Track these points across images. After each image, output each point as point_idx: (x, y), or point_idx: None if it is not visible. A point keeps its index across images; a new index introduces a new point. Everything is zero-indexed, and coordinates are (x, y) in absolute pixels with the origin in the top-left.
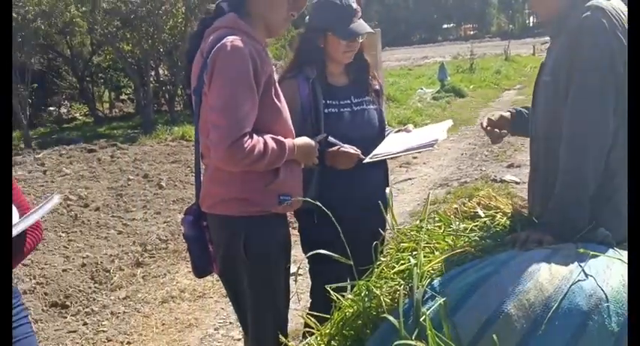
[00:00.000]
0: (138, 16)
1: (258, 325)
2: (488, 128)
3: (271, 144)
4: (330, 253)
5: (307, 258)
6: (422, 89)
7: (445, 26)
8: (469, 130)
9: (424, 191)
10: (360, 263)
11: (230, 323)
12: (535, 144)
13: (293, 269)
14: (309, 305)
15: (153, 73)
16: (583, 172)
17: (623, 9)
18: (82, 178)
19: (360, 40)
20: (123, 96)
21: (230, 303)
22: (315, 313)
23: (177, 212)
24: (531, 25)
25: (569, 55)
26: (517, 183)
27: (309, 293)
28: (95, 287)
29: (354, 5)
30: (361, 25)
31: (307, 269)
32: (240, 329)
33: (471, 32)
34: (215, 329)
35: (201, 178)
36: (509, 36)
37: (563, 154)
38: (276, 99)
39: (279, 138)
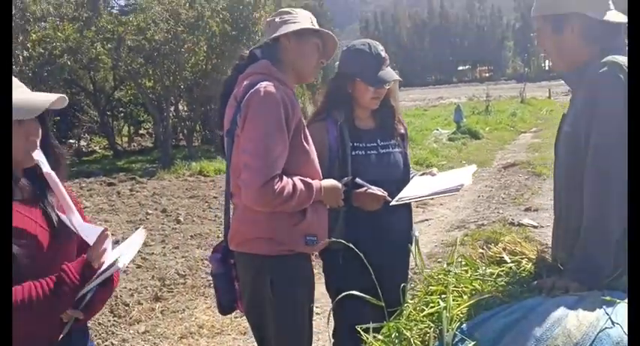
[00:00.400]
0: (161, 53)
1: None
2: None
3: (300, 185)
4: (363, 295)
5: (332, 298)
6: (438, 130)
7: (461, 68)
8: (485, 172)
9: (441, 232)
10: (387, 305)
11: None
12: (557, 193)
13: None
14: None
15: (172, 109)
16: (607, 220)
17: None
18: (101, 211)
19: (387, 87)
20: (142, 131)
21: (248, 340)
22: None
23: (195, 247)
24: (547, 68)
25: (589, 108)
26: (535, 227)
27: (328, 334)
28: (114, 320)
29: (383, 54)
30: (389, 72)
31: (324, 308)
32: None
33: (487, 74)
34: None
35: (230, 217)
36: (524, 79)
37: (587, 202)
38: (304, 143)
39: (308, 179)
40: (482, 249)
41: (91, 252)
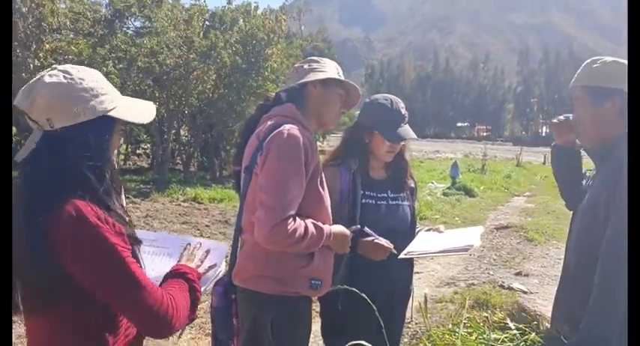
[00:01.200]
0: (170, 77)
1: None
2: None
3: (311, 229)
4: (368, 344)
5: (326, 342)
6: (433, 183)
7: (459, 124)
8: None
9: (431, 287)
10: None
11: None
12: (567, 261)
13: None
14: None
15: (174, 132)
16: (618, 301)
17: None
18: None
19: (403, 143)
20: (139, 151)
21: None
22: None
23: None
24: (544, 134)
25: (612, 185)
26: (525, 292)
27: None
28: None
29: (403, 111)
30: (407, 130)
31: None
32: None
33: (484, 133)
34: None
35: (237, 252)
36: (521, 142)
37: (599, 282)
38: (320, 187)
39: (319, 224)
40: (487, 312)
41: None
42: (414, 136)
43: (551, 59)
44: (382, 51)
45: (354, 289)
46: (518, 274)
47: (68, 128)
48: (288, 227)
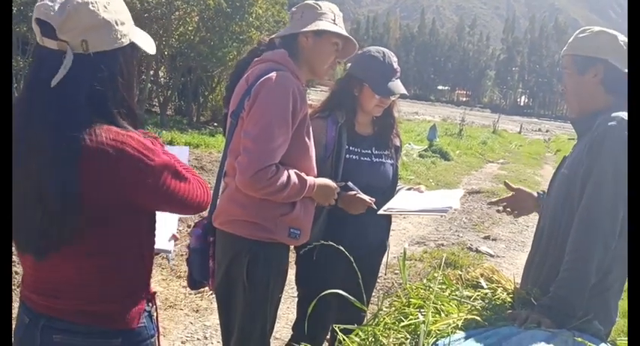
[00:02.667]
0: (151, 16)
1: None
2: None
3: (294, 179)
4: (347, 295)
5: (300, 291)
6: (410, 145)
7: (440, 88)
8: None
9: (401, 245)
10: (351, 305)
11: (197, 339)
12: (540, 228)
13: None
14: (290, 337)
15: (152, 73)
16: (589, 266)
17: None
18: None
19: (393, 98)
20: None
21: (199, 318)
22: None
23: None
24: (522, 104)
25: (589, 158)
26: (491, 255)
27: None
28: None
29: (395, 65)
30: (398, 85)
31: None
32: None
33: (464, 98)
34: (182, 343)
35: (219, 195)
36: (499, 110)
37: (572, 247)
38: (306, 137)
39: (303, 174)
40: (461, 271)
41: None
42: (404, 91)
43: (536, 29)
44: (368, 7)
45: (331, 243)
46: (486, 238)
47: (101, 53)
48: (270, 175)
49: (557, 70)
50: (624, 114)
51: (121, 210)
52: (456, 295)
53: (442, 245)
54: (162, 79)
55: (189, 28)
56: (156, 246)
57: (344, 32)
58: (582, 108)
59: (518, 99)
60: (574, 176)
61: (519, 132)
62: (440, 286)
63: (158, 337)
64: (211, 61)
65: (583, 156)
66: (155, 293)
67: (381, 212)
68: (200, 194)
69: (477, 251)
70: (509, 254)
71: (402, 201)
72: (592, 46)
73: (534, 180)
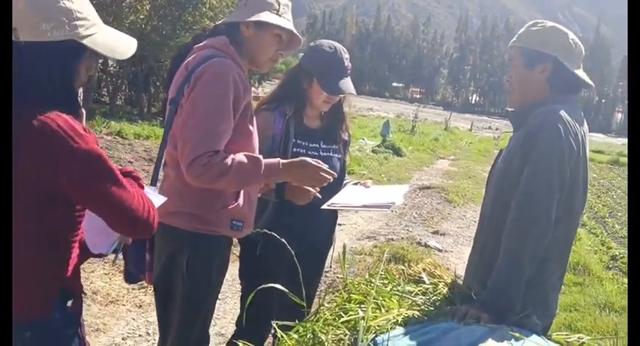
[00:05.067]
0: (100, 2)
1: (180, 340)
2: None
3: (241, 158)
4: (284, 289)
5: (243, 286)
6: (363, 140)
7: (395, 84)
8: None
9: (352, 240)
10: (296, 302)
11: (139, 335)
12: (480, 223)
13: None
14: (233, 333)
15: (100, 62)
16: (522, 259)
17: (579, 118)
18: None
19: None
20: None
21: (142, 314)
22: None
23: None
24: (473, 102)
25: (523, 150)
26: (440, 250)
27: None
28: None
29: (347, 62)
30: (347, 84)
31: (226, 294)
32: (149, 343)
33: (417, 96)
34: (123, 339)
35: (157, 185)
36: (451, 107)
37: (506, 239)
38: (249, 125)
39: (255, 155)
40: (403, 266)
41: None
42: (353, 91)
43: (488, 29)
44: (325, 1)
45: (273, 234)
46: (435, 233)
47: (33, 43)
48: (206, 160)
49: (507, 70)
50: (559, 107)
51: (35, 192)
52: (398, 290)
53: (392, 239)
54: (111, 68)
55: (141, 17)
56: (92, 246)
57: (287, 25)
58: (523, 100)
59: (470, 98)
60: (509, 169)
61: (470, 130)
62: (382, 281)
63: (81, 331)
64: (163, 50)
65: (518, 149)
66: (80, 285)
67: (324, 207)
68: (140, 210)
69: (426, 245)
70: (457, 248)
71: (346, 196)
72: (542, 40)
73: (482, 176)
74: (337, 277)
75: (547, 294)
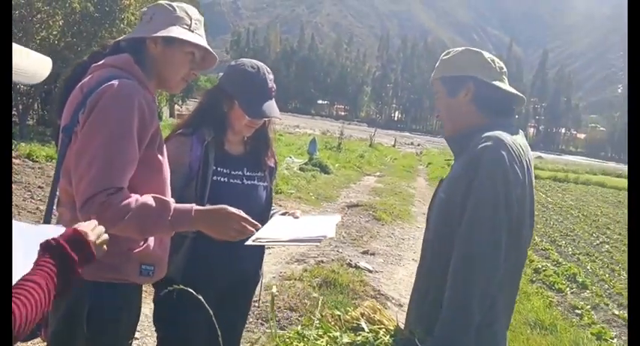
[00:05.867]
0: None
1: None
2: None
3: (146, 200)
4: None
5: (159, 335)
6: (291, 158)
7: (320, 102)
8: (330, 208)
9: (281, 264)
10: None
11: None
12: (422, 257)
13: None
14: None
15: None
16: (470, 301)
17: (523, 143)
18: None
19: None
20: None
21: None
22: None
23: None
24: (396, 119)
25: (466, 180)
26: (370, 271)
27: None
28: None
29: (271, 84)
30: (271, 107)
31: (144, 340)
32: None
33: (342, 113)
34: None
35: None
36: (375, 124)
37: (452, 280)
38: (159, 155)
39: (164, 198)
40: (340, 311)
41: None
42: (278, 115)
43: (408, 48)
44: (249, 19)
45: (189, 289)
46: (365, 253)
47: None
48: (116, 201)
49: (427, 88)
50: (499, 134)
51: None
52: (335, 343)
53: (322, 262)
54: (21, 86)
55: (53, 33)
56: None
57: (200, 41)
58: (456, 128)
59: (393, 114)
60: (451, 200)
61: (394, 146)
62: (316, 332)
63: None
64: None
65: (459, 179)
66: None
67: (249, 243)
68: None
69: (357, 267)
70: (387, 268)
71: (274, 229)
72: (458, 65)
73: (408, 192)
74: (267, 306)
75: (496, 334)
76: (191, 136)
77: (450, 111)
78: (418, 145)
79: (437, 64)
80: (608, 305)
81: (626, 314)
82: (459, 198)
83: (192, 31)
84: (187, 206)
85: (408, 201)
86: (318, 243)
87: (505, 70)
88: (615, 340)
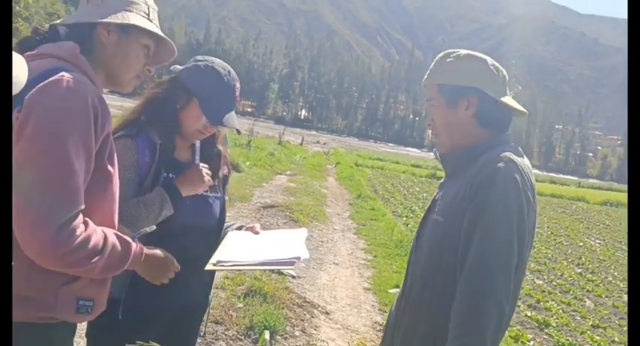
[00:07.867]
0: None
1: None
2: None
3: (112, 240)
4: None
5: None
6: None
7: None
8: (246, 209)
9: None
10: None
11: None
12: (409, 284)
13: None
14: None
15: None
16: (483, 337)
17: (528, 164)
18: None
19: (221, 129)
20: None
21: None
22: None
23: None
24: (302, 117)
25: (472, 203)
26: (293, 277)
27: None
28: None
29: (237, 92)
30: (233, 118)
31: None
32: None
33: (249, 109)
34: None
35: None
36: (283, 121)
37: (459, 316)
38: (109, 165)
39: (125, 236)
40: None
41: None
42: (238, 126)
43: (315, 47)
44: None
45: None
46: None
47: None
48: (77, 232)
49: (332, 88)
50: (510, 155)
51: None
52: None
53: None
54: None
55: None
56: None
57: (160, 33)
58: (454, 144)
59: (299, 113)
60: (452, 225)
61: (301, 144)
62: None
63: None
64: None
65: (463, 203)
66: None
67: (209, 267)
68: None
69: (280, 273)
70: (309, 273)
71: (235, 249)
72: (462, 73)
73: (321, 192)
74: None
75: None
76: (134, 138)
77: (448, 123)
78: (324, 144)
79: (433, 64)
80: (519, 306)
81: (538, 316)
82: (465, 225)
83: (151, 21)
84: (138, 249)
85: (322, 201)
86: (291, 267)
87: (508, 78)
88: (532, 343)
